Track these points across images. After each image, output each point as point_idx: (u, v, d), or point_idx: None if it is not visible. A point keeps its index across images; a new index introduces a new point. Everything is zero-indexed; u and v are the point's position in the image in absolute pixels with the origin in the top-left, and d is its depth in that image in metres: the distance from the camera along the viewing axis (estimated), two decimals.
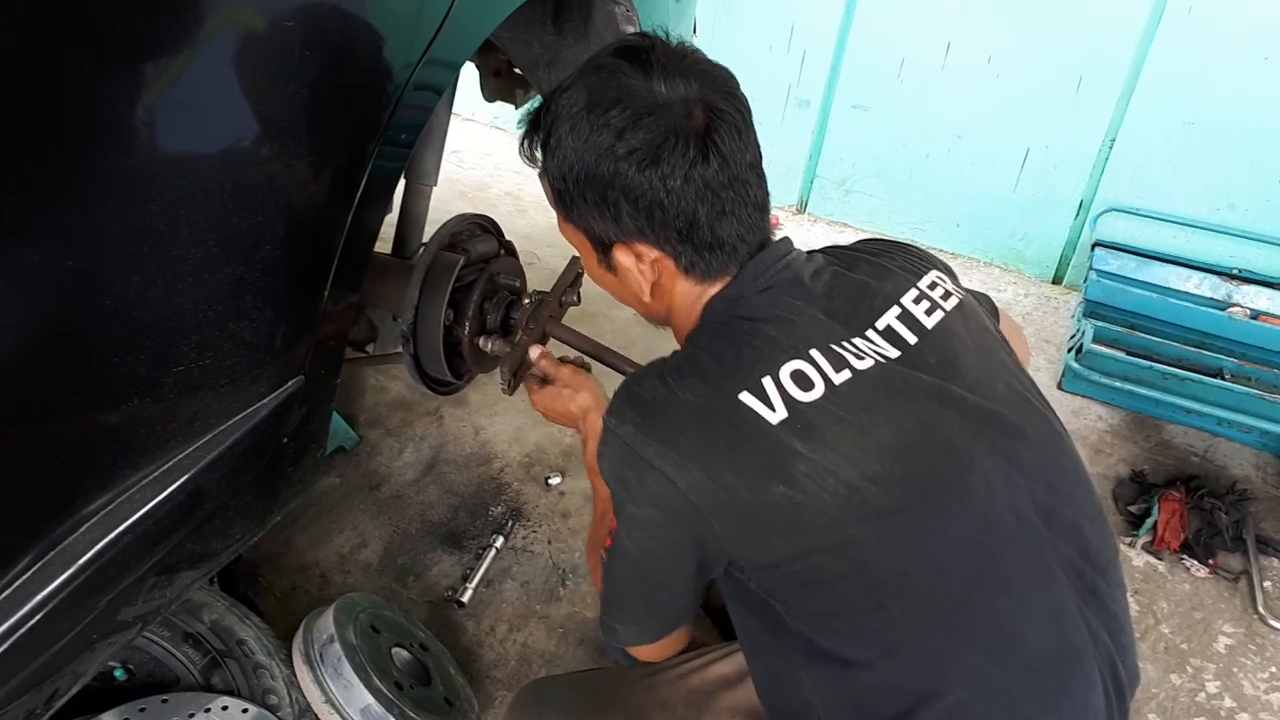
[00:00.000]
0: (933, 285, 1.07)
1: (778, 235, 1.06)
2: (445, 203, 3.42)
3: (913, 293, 1.04)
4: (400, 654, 1.61)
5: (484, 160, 4.71)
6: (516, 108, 2.32)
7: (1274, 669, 2.06)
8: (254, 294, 0.96)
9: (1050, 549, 0.96)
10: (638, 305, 1.11)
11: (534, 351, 1.38)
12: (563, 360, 1.39)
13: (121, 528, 0.88)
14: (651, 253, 1.00)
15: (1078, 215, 3.93)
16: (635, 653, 1.26)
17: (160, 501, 0.92)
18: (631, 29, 1.77)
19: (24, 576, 0.82)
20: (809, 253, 1.10)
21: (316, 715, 1.45)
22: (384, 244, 1.41)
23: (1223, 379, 2.89)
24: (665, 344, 1.13)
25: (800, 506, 0.89)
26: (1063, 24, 3.64)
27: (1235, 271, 3.52)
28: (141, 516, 0.90)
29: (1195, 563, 2.35)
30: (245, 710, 1.38)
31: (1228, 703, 1.97)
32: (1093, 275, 3.45)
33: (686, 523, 0.94)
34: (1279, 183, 3.46)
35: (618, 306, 1.12)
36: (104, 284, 0.78)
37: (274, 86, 0.88)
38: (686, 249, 0.99)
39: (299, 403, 1.12)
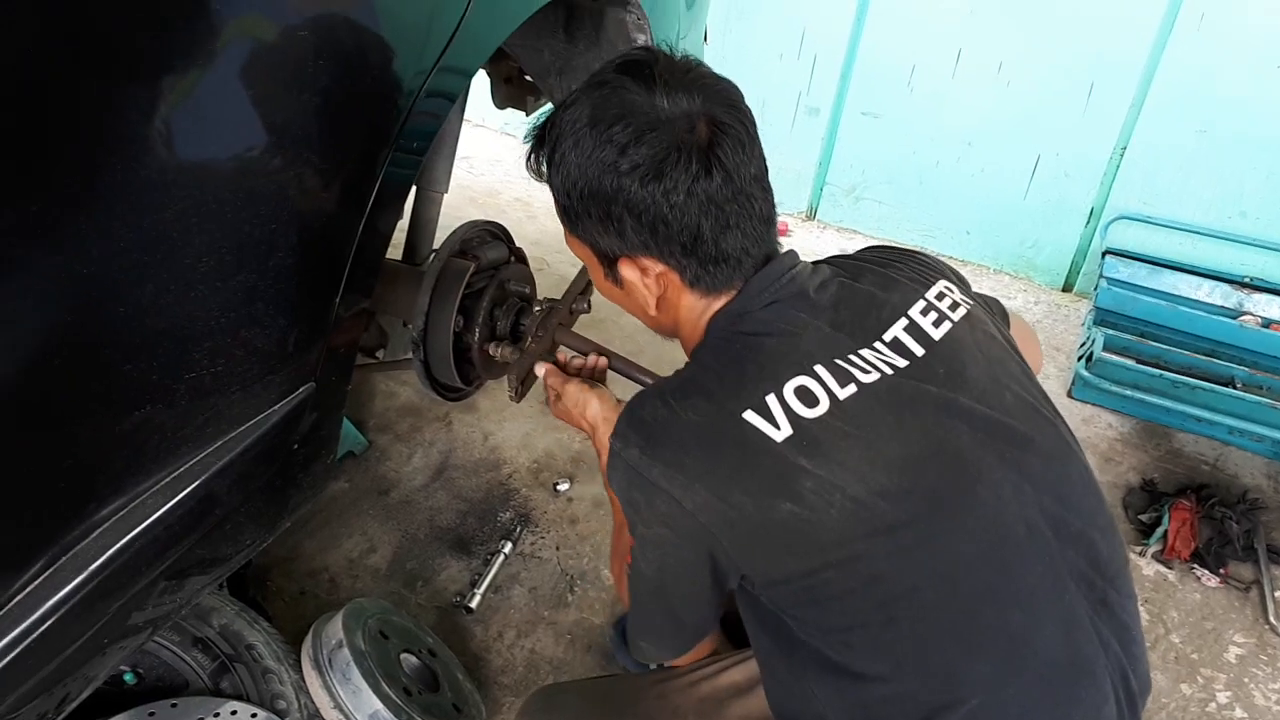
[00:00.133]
0: (940, 296, 1.07)
1: (786, 244, 1.06)
2: (455, 209, 3.42)
3: (920, 304, 1.04)
4: (408, 659, 1.61)
5: (494, 166, 4.73)
6: (527, 114, 2.33)
7: None
8: (266, 301, 0.96)
9: (1060, 559, 0.95)
10: (644, 318, 1.11)
11: (540, 369, 1.37)
12: (574, 362, 1.39)
13: (133, 533, 0.89)
14: (656, 267, 1.00)
15: (1088, 223, 3.92)
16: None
17: (171, 507, 0.92)
18: (643, 37, 1.77)
19: (37, 581, 0.82)
20: (814, 263, 1.10)
21: None
22: (394, 250, 1.41)
23: (1234, 387, 2.88)
24: (673, 350, 1.13)
25: (808, 523, 0.88)
26: (1074, 31, 3.64)
27: (1246, 279, 3.51)
28: (153, 522, 0.90)
29: (1206, 572, 2.34)
30: (254, 715, 1.39)
31: (1239, 713, 1.95)
32: (1103, 283, 3.44)
33: (698, 540, 0.94)
34: None
35: (626, 313, 1.13)
36: (117, 291, 0.78)
37: (288, 96, 0.88)
38: (691, 263, 0.99)
39: (310, 409, 1.12)
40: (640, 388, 1.32)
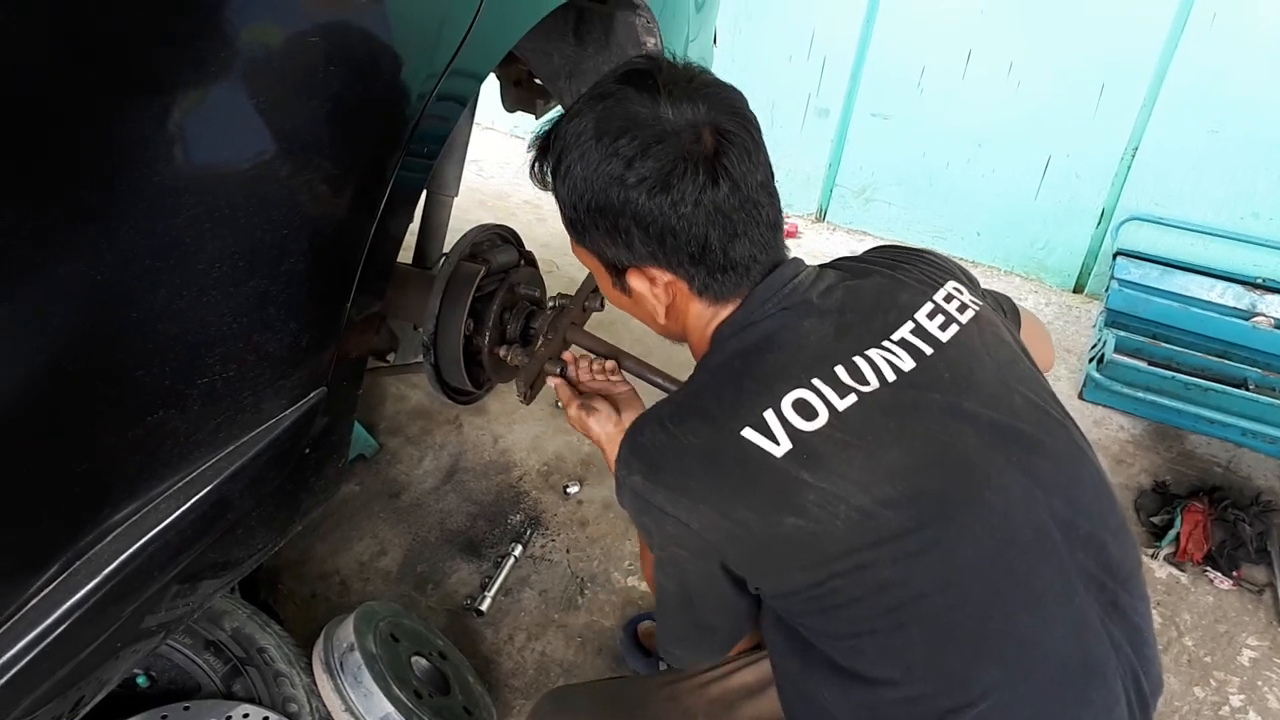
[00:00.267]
0: (948, 298, 1.06)
1: (796, 246, 1.06)
2: (465, 211, 3.43)
3: (928, 307, 1.04)
4: (419, 662, 1.62)
5: (503, 169, 4.73)
6: (537, 117, 2.33)
7: None
8: (278, 306, 0.96)
9: (1070, 562, 0.95)
10: (653, 325, 1.11)
11: (552, 381, 1.38)
12: (582, 362, 1.40)
13: (146, 537, 0.89)
14: (665, 276, 1.00)
15: (1099, 224, 3.91)
16: None
17: (184, 511, 0.93)
18: (652, 40, 1.77)
19: (52, 585, 0.83)
20: (820, 267, 1.09)
21: None
22: (405, 254, 1.42)
23: (1247, 389, 2.86)
24: (683, 352, 1.13)
25: (814, 535, 0.88)
26: (1084, 32, 3.62)
27: (1259, 280, 3.49)
28: (166, 526, 0.91)
29: (1219, 575, 2.33)
30: (266, 718, 1.39)
31: (1252, 717, 1.94)
32: (1114, 284, 3.43)
33: (710, 556, 0.95)
34: None
35: None
36: (131, 297, 0.79)
37: (299, 102, 0.88)
38: (699, 272, 0.99)
39: (321, 413, 1.12)
40: (652, 389, 1.33)
